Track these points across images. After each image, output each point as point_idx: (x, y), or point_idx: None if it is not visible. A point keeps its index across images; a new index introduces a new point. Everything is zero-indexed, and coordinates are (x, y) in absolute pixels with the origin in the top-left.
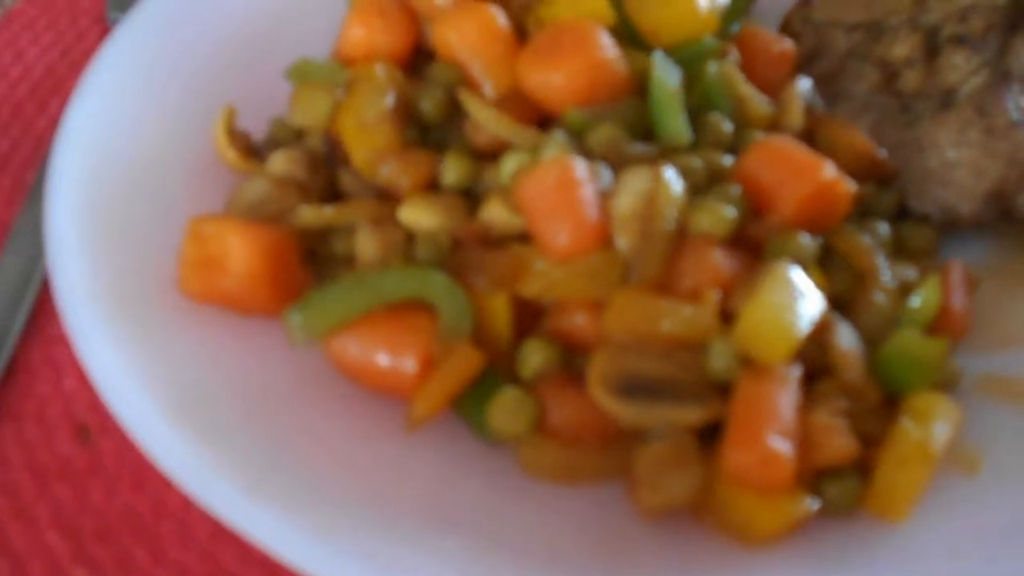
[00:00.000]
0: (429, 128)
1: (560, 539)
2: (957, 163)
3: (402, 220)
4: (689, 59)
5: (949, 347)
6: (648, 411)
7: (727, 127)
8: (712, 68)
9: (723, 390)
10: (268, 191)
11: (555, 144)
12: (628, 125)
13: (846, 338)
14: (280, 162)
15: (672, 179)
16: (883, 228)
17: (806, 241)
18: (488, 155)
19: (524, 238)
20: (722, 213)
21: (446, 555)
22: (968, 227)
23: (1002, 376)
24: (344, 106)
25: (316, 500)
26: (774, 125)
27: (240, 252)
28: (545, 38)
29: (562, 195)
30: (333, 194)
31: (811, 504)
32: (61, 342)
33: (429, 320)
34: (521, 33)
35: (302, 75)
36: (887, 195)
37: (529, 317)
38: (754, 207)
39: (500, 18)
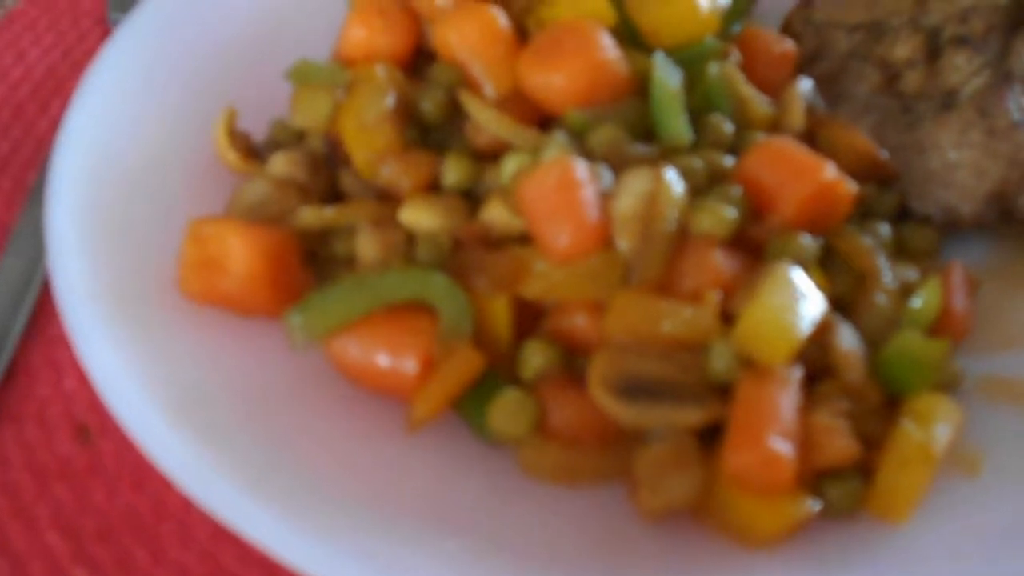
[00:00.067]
0: (430, 129)
1: (560, 540)
2: (958, 164)
3: (403, 221)
4: (690, 60)
5: (950, 348)
6: (648, 412)
7: (728, 128)
8: (713, 69)
9: (724, 391)
10: (269, 192)
11: (556, 145)
12: (629, 126)
13: (847, 339)
14: (281, 163)
15: (673, 180)
16: (884, 229)
17: (807, 242)
18: (489, 156)
19: (525, 239)
20: (723, 214)
21: (446, 556)
22: (969, 228)
23: (1003, 377)
24: (345, 107)
25: (316, 500)
26: (775, 126)
27: (240, 253)
28: (546, 39)
29: (563, 196)
30: (334, 195)
31: (812, 505)
32: (61, 343)
33: (430, 321)
34: (522, 34)
35: (302, 76)
36: (888, 196)
37: (530, 318)
38: (755, 208)
39: (501, 19)
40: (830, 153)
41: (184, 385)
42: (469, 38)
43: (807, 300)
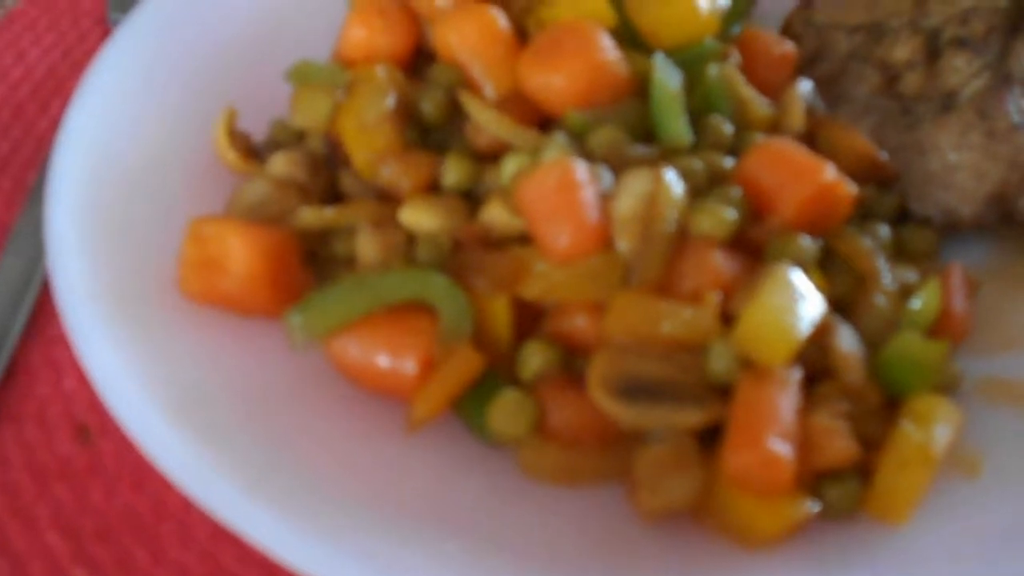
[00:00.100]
0: (430, 129)
1: (560, 541)
2: (958, 166)
3: (403, 221)
4: (690, 61)
5: (950, 350)
6: (648, 413)
7: (728, 129)
8: (713, 70)
9: (723, 392)
10: (268, 192)
11: (556, 146)
12: (629, 127)
13: (847, 340)
14: (281, 163)
15: (673, 181)
16: (884, 230)
17: (807, 243)
18: (489, 157)
19: (525, 240)
20: (723, 215)
21: (446, 556)
22: (969, 230)
23: (1003, 379)
24: (345, 107)
25: (316, 500)
26: (775, 127)
27: (240, 253)
28: (546, 40)
29: (563, 197)
30: (334, 196)
31: (811, 506)
32: (61, 342)
33: (429, 322)
34: (522, 34)
35: (302, 76)
36: (888, 197)
37: (529, 319)
38: (755, 209)
39: (501, 19)
40: (830, 154)
41: (184, 385)
42: (469, 38)
43: (807, 301)
